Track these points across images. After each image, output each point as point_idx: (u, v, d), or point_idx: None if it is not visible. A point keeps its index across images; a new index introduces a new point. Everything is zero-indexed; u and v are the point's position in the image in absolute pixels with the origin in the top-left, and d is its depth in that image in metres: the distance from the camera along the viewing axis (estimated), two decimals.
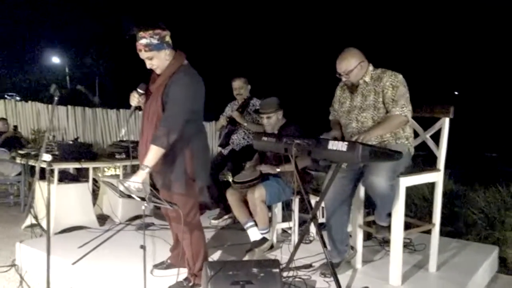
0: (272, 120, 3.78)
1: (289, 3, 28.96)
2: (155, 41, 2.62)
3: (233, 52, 26.00)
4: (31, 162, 4.86)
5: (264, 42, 27.69)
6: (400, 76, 2.91)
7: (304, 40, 28.32)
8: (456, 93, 29.84)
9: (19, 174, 5.81)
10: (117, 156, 4.99)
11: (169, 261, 3.23)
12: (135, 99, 2.76)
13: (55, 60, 27.56)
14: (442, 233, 3.92)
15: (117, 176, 5.37)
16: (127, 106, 2.89)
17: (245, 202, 3.66)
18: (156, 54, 2.64)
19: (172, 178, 2.72)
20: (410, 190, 4.88)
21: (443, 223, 3.72)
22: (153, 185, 2.91)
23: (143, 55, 2.65)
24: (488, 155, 13.03)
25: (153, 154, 2.56)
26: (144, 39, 2.60)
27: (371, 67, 3.00)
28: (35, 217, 4.47)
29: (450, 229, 4.54)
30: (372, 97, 2.94)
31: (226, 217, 4.69)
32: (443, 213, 3.62)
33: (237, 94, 4.73)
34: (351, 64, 2.93)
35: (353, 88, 3.03)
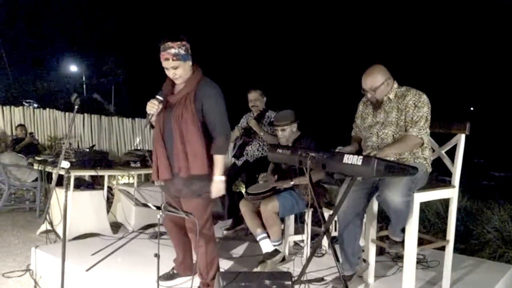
0: (287, 133, 3.80)
1: (308, 17, 29.10)
2: (182, 52, 2.73)
3: (250, 63, 26.16)
4: (48, 169, 4.94)
5: (281, 55, 27.84)
6: (424, 96, 2.90)
7: (320, 54, 28.40)
8: (472, 109, 29.59)
9: (36, 180, 5.90)
10: (132, 165, 5.05)
11: (174, 271, 3.25)
12: (155, 106, 2.76)
13: (73, 68, 28.00)
14: (456, 250, 3.89)
15: (131, 184, 5.42)
16: (142, 115, 2.95)
17: (258, 214, 3.66)
18: (182, 64, 2.75)
19: (204, 186, 2.80)
20: (423, 206, 4.85)
21: (457, 240, 3.69)
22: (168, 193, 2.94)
23: (170, 64, 2.72)
24: (495, 174, 12.78)
25: (221, 163, 2.79)
26: (173, 49, 2.70)
27: (395, 84, 3.00)
28: (50, 223, 4.53)
29: (464, 246, 4.49)
30: (395, 114, 2.94)
31: (238, 228, 4.70)
32: (457, 229, 3.59)
33: (252, 106, 4.76)
34: (378, 81, 2.92)
35: (376, 105, 3.03)
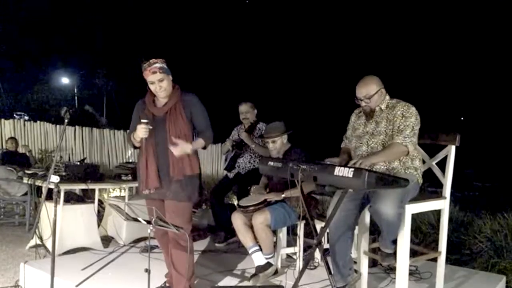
0: (277, 144, 3.80)
1: (297, 29, 29.35)
2: (165, 66, 3.01)
3: (241, 76, 26.30)
4: (38, 183, 4.89)
5: (272, 67, 28.03)
6: (413, 108, 2.96)
7: (310, 67, 28.62)
8: (462, 118, 29.82)
9: (25, 194, 5.83)
10: (123, 178, 5.02)
11: (167, 284, 3.23)
12: (146, 129, 2.92)
13: (65, 80, 27.92)
14: (448, 261, 3.88)
15: (122, 197, 5.39)
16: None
17: (251, 226, 3.64)
18: (166, 77, 2.99)
19: (193, 187, 3.01)
20: (416, 216, 4.86)
21: (449, 251, 3.69)
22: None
23: (157, 76, 2.95)
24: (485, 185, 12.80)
25: (200, 144, 3.00)
26: (158, 64, 2.96)
27: (387, 96, 3.07)
28: (40, 238, 4.47)
29: (456, 257, 4.49)
30: (384, 124, 2.99)
31: (230, 240, 4.67)
32: (449, 240, 3.59)
33: (243, 118, 4.77)
34: (372, 90, 2.98)
35: (369, 115, 3.07)
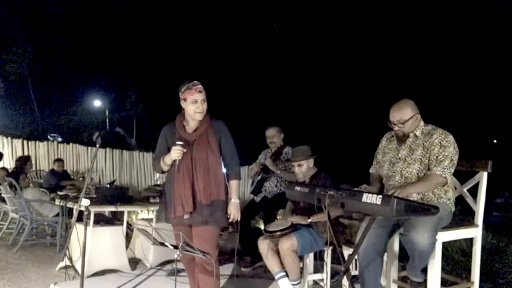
0: (303, 168, 3.79)
1: (327, 53, 29.50)
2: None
3: (270, 99, 26.55)
4: (69, 204, 4.99)
5: (300, 91, 28.21)
6: (451, 137, 2.90)
7: (339, 92, 28.66)
8: (495, 141, 29.07)
9: (57, 215, 5.95)
10: (151, 200, 5.08)
11: None
12: (181, 151, 2.95)
13: (97, 103, 28.74)
14: None
15: (149, 219, 5.44)
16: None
17: (277, 252, 3.62)
18: (205, 98, 3.05)
19: (221, 212, 3.04)
20: (447, 244, 4.72)
21: (482, 280, 3.55)
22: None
23: (202, 95, 3.02)
24: None
25: (237, 188, 3.11)
26: (200, 85, 3.04)
27: (422, 122, 3.00)
28: (70, 259, 4.54)
29: (490, 286, 4.32)
30: (420, 152, 2.93)
31: (257, 265, 4.64)
32: (483, 269, 3.46)
33: (270, 142, 4.78)
34: (407, 114, 2.93)
35: (402, 139, 3.02)
